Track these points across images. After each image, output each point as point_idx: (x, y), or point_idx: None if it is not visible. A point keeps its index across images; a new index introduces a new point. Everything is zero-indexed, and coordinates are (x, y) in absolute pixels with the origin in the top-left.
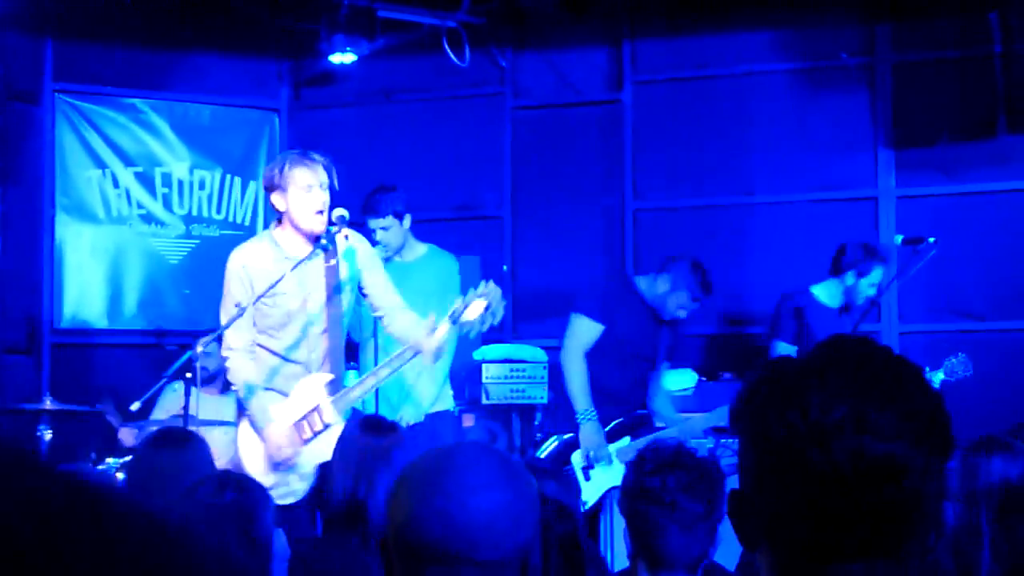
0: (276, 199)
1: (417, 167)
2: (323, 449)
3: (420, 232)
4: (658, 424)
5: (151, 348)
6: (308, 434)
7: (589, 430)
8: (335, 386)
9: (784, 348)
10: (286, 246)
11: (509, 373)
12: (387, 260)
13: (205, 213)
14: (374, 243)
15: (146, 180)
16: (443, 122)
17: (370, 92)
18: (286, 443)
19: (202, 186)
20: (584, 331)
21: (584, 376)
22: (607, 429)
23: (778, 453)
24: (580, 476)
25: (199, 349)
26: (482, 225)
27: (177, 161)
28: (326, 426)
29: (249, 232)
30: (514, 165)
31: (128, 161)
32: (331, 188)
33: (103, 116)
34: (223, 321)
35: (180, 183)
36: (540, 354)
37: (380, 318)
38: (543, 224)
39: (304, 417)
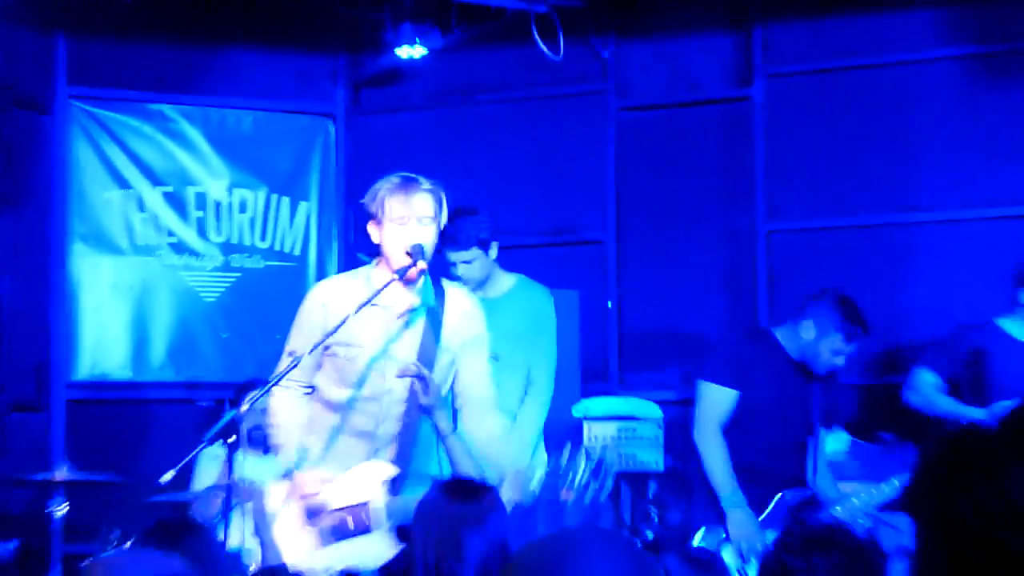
0: (372, 231)
1: (502, 183)
2: (353, 554)
3: (506, 261)
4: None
5: (183, 404)
6: (344, 527)
7: (738, 518)
8: (396, 487)
9: (928, 378)
10: (384, 293)
11: (616, 433)
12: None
13: (247, 241)
14: (452, 278)
15: (177, 202)
16: (533, 128)
17: (444, 92)
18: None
19: (243, 208)
20: (717, 401)
21: (724, 454)
22: (761, 517)
23: (967, 541)
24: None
25: (244, 408)
26: (581, 252)
27: (214, 179)
28: (366, 530)
29: (300, 264)
30: (619, 179)
31: (156, 180)
32: (437, 221)
33: (126, 126)
34: (280, 368)
35: (217, 205)
36: (653, 409)
37: (457, 411)
38: (655, 250)
39: (347, 509)
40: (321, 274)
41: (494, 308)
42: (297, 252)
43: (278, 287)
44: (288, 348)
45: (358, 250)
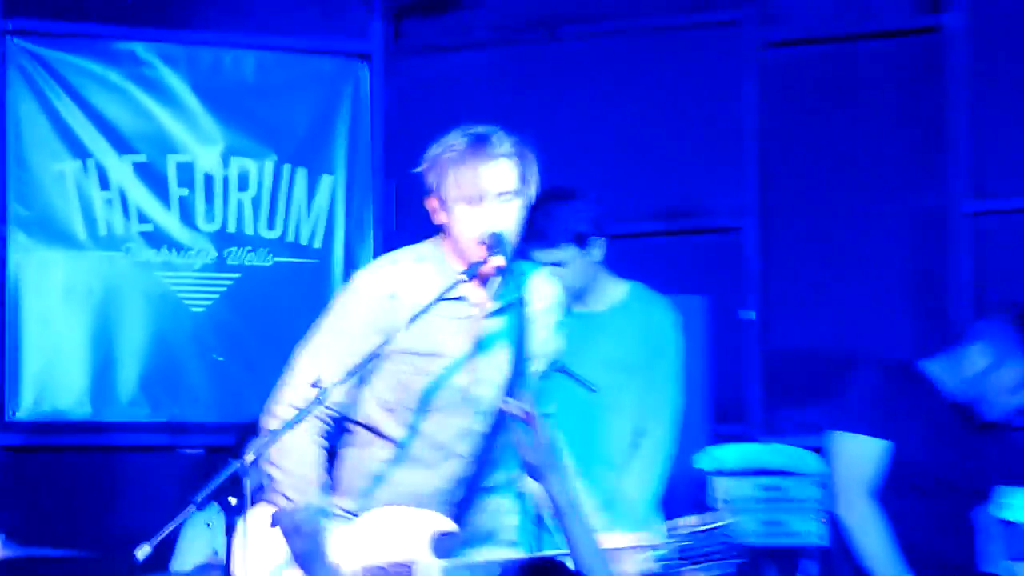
0: (433, 210)
1: (596, 149)
2: None
3: (611, 257)
4: None
5: (163, 454)
6: None
7: None
8: (447, 546)
9: None
10: (439, 269)
11: (758, 493)
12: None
13: (249, 229)
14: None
15: (153, 176)
16: (640, 72)
17: (517, 24)
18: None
19: (244, 185)
20: (862, 457)
21: (881, 527)
22: None
23: None
24: None
25: (249, 459)
26: (709, 243)
27: (203, 145)
28: None
29: (322, 260)
30: (763, 141)
31: (124, 146)
32: (524, 194)
33: (83, 72)
34: (298, 382)
35: (208, 181)
36: (810, 461)
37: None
38: (812, 240)
39: (386, 570)
40: (350, 272)
41: (596, 326)
42: (318, 244)
43: (292, 292)
44: (305, 363)
45: (403, 240)
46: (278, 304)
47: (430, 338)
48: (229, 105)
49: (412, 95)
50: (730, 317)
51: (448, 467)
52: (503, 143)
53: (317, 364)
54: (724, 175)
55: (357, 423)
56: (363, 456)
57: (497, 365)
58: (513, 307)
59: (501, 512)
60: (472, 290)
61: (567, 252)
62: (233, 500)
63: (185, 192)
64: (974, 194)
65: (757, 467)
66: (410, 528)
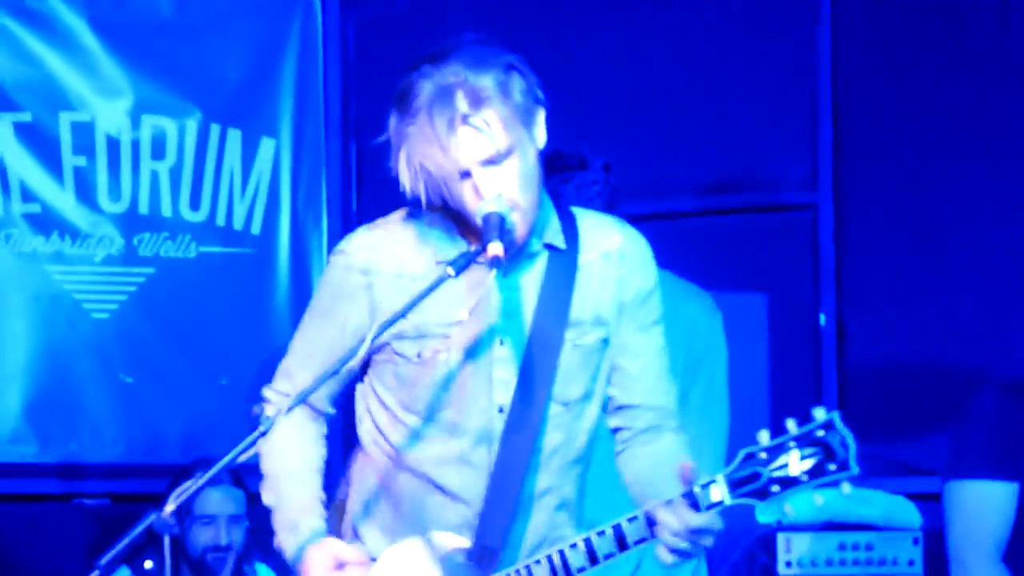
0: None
1: (625, 107)
2: None
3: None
4: None
5: (57, 504)
6: None
7: None
8: (480, 566)
9: None
10: (445, 236)
11: (835, 553)
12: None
13: (166, 210)
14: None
15: (40, 140)
16: (685, 8)
17: None
18: None
19: (159, 151)
20: (988, 507)
21: None
22: None
23: None
24: None
25: (169, 508)
26: (772, 226)
27: (106, 98)
28: None
29: (261, 250)
30: (839, 98)
31: (3, 101)
32: (520, 137)
33: None
34: (289, 378)
35: (113, 145)
36: (905, 510)
37: (617, 431)
38: (902, 223)
39: None
40: (299, 266)
41: None
42: (256, 230)
43: (222, 292)
44: (288, 366)
45: (367, 222)
46: (204, 308)
47: (438, 314)
48: (139, 47)
49: (376, 35)
50: (798, 322)
51: (470, 477)
52: (473, 88)
53: (296, 362)
54: (790, 141)
55: (363, 421)
56: (371, 465)
57: (522, 338)
58: (550, 255)
59: (547, 524)
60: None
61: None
62: (149, 564)
63: (82, 161)
64: None
65: (836, 520)
66: (414, 555)
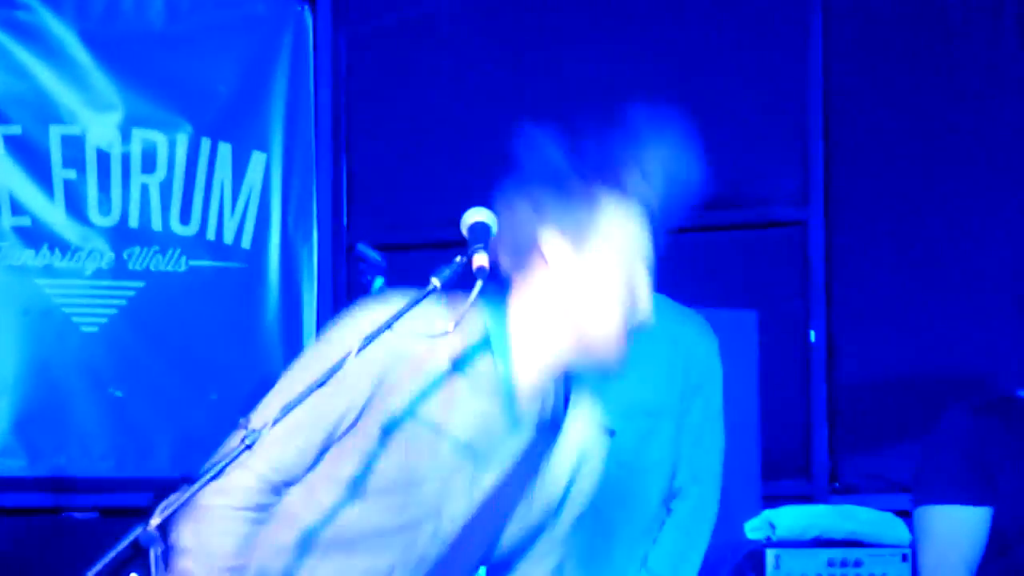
0: (552, 246)
1: (615, 119)
2: None
3: None
4: None
5: (46, 517)
6: None
7: None
8: None
9: None
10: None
11: (824, 569)
12: None
13: (156, 224)
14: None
15: (30, 153)
16: (674, 18)
17: None
18: None
19: (150, 165)
20: (956, 533)
21: None
22: None
23: None
24: None
25: (155, 522)
26: (762, 242)
27: (96, 112)
28: None
29: (252, 265)
30: (832, 108)
31: None
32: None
33: None
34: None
35: (103, 158)
36: (894, 528)
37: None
38: (897, 238)
39: None
40: (289, 280)
41: None
42: (246, 244)
43: (212, 306)
44: (262, 415)
45: (356, 238)
46: (194, 322)
47: (443, 410)
48: (130, 61)
49: (367, 50)
50: (788, 338)
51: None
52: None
53: (269, 414)
54: (780, 153)
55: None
56: (271, 537)
57: (506, 462)
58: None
59: None
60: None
61: None
62: None
63: (72, 175)
64: None
65: (824, 536)
66: None
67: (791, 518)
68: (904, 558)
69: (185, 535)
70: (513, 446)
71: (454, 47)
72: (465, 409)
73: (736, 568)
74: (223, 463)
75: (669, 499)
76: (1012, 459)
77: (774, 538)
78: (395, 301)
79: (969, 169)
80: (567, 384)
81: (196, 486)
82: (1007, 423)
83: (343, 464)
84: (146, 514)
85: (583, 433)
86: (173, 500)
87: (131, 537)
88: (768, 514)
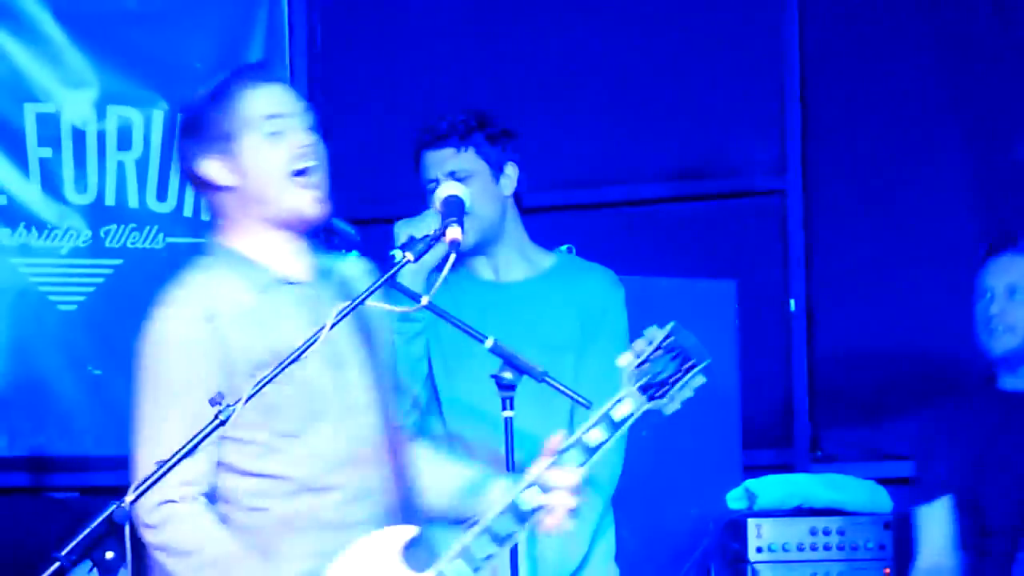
0: (215, 169)
1: (597, 91)
2: None
3: (610, 229)
4: None
5: (23, 497)
6: None
7: None
8: (420, 552)
9: None
10: (271, 261)
11: (806, 538)
12: (462, 272)
13: (133, 201)
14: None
15: (5, 131)
16: None
17: None
18: None
19: (126, 142)
20: (935, 525)
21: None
22: None
23: None
24: None
25: (130, 498)
26: (740, 212)
27: (70, 89)
28: None
29: None
30: (809, 79)
31: None
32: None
33: None
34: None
35: (79, 136)
36: (876, 496)
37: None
38: (876, 209)
39: None
40: None
41: (511, 300)
42: None
43: (160, 302)
44: (187, 405)
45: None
46: None
47: (282, 335)
48: (104, 38)
49: (343, 26)
50: (767, 308)
51: (364, 485)
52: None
53: (189, 399)
54: (758, 125)
55: (241, 471)
56: (256, 516)
57: (357, 345)
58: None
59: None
60: (297, 259)
61: (470, 161)
62: (110, 554)
63: (47, 152)
64: None
65: (806, 505)
66: (364, 556)
67: (772, 487)
68: (886, 526)
69: (190, 541)
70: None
71: (429, 22)
72: (287, 321)
73: (717, 538)
74: (197, 439)
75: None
76: (993, 452)
77: (755, 507)
78: (189, 278)
79: (947, 139)
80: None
81: (168, 464)
82: (986, 417)
83: (267, 417)
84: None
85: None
86: (147, 477)
87: (106, 513)
88: (749, 483)
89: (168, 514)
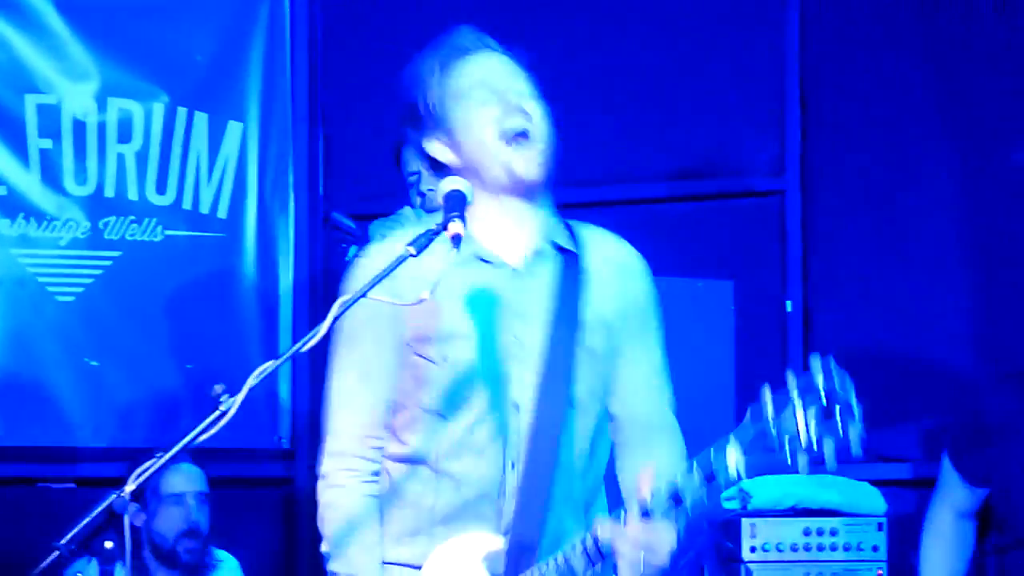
0: (439, 150)
1: (596, 89)
2: None
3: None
4: None
5: (21, 489)
6: None
7: None
8: (513, 566)
9: None
10: (482, 236)
11: (800, 539)
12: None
13: (132, 193)
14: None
15: (6, 122)
16: None
17: None
18: None
19: (126, 135)
20: (956, 490)
21: (948, 555)
22: None
23: None
24: None
25: (129, 488)
26: (738, 212)
27: (72, 81)
28: None
29: (231, 234)
30: (808, 79)
31: None
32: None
33: None
34: (336, 430)
35: (79, 128)
36: (871, 498)
37: (614, 442)
38: (874, 209)
39: None
40: (266, 250)
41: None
42: (223, 213)
43: (189, 276)
44: (337, 401)
45: (334, 207)
46: (171, 292)
47: (453, 312)
48: (106, 30)
49: (344, 19)
50: (765, 308)
51: (486, 469)
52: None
53: (349, 399)
54: (758, 125)
55: (390, 456)
56: (397, 492)
57: (534, 339)
58: (561, 258)
59: (561, 522)
60: (512, 235)
61: None
62: (109, 544)
63: (48, 144)
64: None
65: (800, 505)
66: (454, 559)
67: (767, 487)
68: (880, 527)
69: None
70: (538, 293)
71: (430, 16)
72: (462, 303)
73: (711, 537)
74: (199, 429)
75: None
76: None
77: (750, 507)
78: (382, 245)
79: (945, 141)
80: (568, 226)
81: (169, 454)
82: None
83: (424, 393)
84: (120, 484)
85: (605, 252)
86: (146, 467)
87: (106, 503)
88: (744, 483)
89: (330, 492)
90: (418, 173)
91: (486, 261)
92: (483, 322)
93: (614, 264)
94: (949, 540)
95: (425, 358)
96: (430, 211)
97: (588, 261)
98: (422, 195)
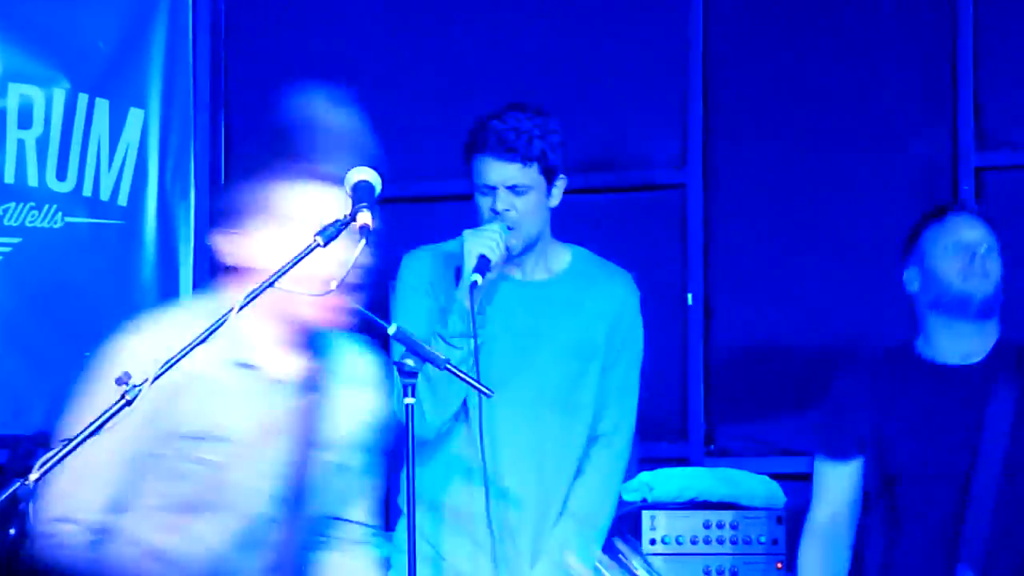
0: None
1: (500, 83)
2: None
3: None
4: None
5: None
6: None
7: None
8: None
9: None
10: (257, 339)
11: (699, 531)
12: (494, 271)
13: (32, 180)
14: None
15: None
16: None
17: None
18: None
19: (25, 121)
20: (832, 484)
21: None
22: None
23: None
24: None
25: (34, 477)
26: (640, 205)
27: None
28: None
29: (131, 221)
30: (711, 72)
31: None
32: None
33: None
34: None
35: None
36: (769, 490)
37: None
38: (775, 202)
39: None
40: (166, 237)
41: (538, 301)
42: (123, 200)
43: (89, 263)
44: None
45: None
46: (70, 279)
47: (223, 416)
48: (6, 15)
49: (247, 6)
50: (665, 301)
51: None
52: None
53: (75, 470)
54: (660, 117)
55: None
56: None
57: (282, 453)
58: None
59: None
60: (273, 356)
61: (532, 177)
62: (12, 531)
63: None
64: (979, 147)
65: (699, 498)
66: None
67: (667, 480)
68: (779, 520)
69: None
70: (299, 408)
71: (332, 4)
72: (250, 405)
73: (612, 529)
74: (101, 420)
75: (591, 443)
76: (894, 409)
77: (650, 500)
78: (162, 318)
79: (847, 135)
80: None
81: (75, 442)
82: (893, 376)
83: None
84: (20, 472)
85: (358, 376)
86: (52, 455)
87: (9, 491)
88: (645, 476)
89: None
90: (495, 188)
91: (249, 367)
92: (251, 433)
93: (357, 380)
94: (817, 555)
95: (188, 463)
96: None
97: (337, 379)
98: None
